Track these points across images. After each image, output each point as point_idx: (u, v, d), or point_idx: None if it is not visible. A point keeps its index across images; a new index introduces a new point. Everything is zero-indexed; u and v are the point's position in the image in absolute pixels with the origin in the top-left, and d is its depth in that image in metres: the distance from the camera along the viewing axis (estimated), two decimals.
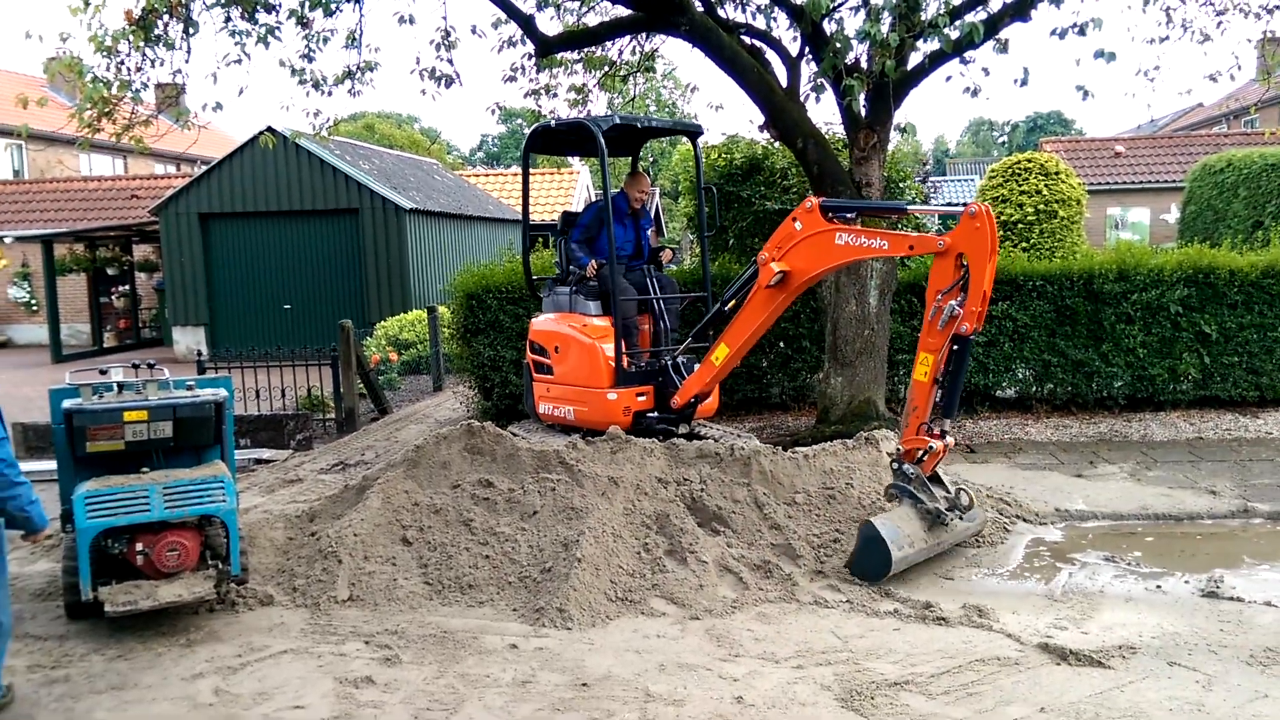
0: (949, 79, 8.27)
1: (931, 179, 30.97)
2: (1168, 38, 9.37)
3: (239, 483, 7.83)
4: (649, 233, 8.32)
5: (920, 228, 11.58)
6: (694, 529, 5.69)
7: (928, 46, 7.79)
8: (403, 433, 9.99)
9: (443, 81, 9.25)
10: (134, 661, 4.65)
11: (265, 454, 9.22)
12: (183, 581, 4.97)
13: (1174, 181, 23.91)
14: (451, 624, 4.97)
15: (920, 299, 9.77)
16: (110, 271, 21.05)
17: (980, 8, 7.91)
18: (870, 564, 5.36)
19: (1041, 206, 16.44)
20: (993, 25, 7.59)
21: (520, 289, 9.97)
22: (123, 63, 8.28)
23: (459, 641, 4.75)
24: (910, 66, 8.22)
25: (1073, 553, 5.92)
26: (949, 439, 5.66)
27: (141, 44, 8.15)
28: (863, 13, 7.85)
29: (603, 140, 7.40)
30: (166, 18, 8.18)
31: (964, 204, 5.36)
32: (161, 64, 8.49)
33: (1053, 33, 7.62)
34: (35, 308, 22.35)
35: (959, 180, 33.62)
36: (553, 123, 8.28)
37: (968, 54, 7.89)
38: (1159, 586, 5.32)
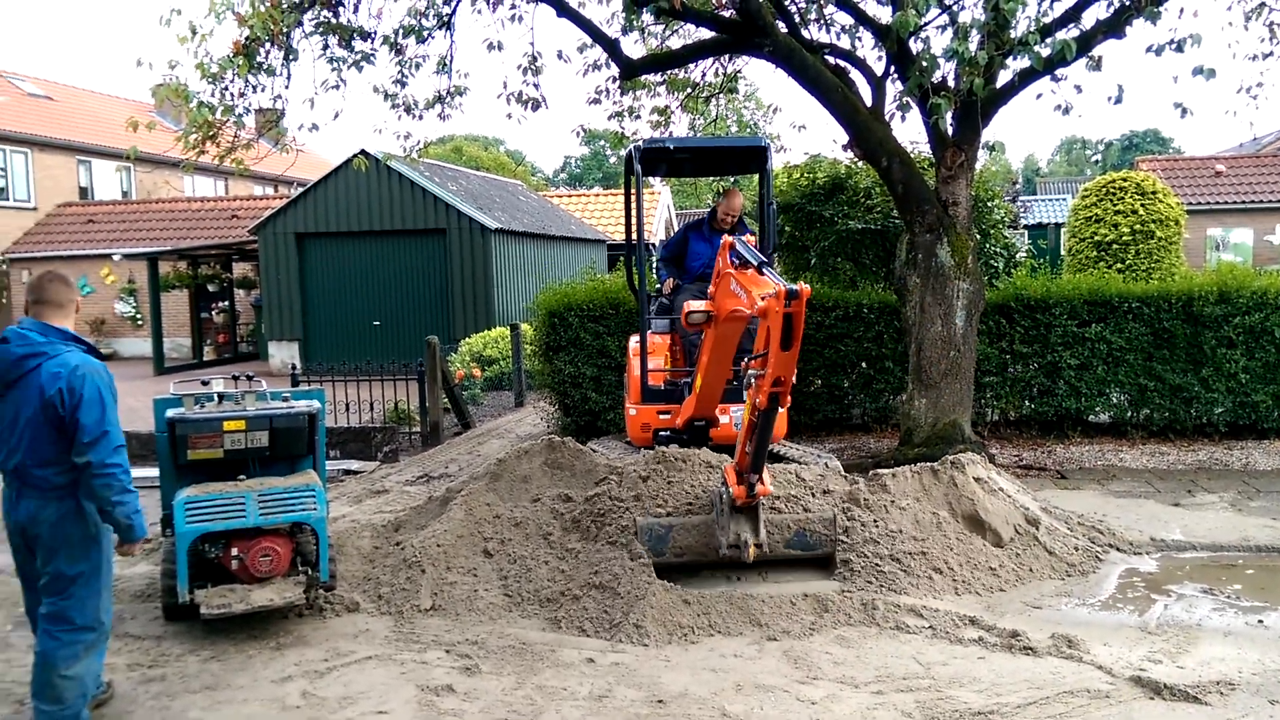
0: (1039, 96, 8.08)
1: (1021, 198, 30.31)
2: (1271, 54, 9.03)
3: (328, 492, 8.08)
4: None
5: (1010, 246, 11.35)
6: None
7: (1018, 64, 7.67)
8: (485, 447, 10.16)
9: (529, 105, 9.46)
10: (226, 663, 4.82)
11: (354, 465, 9.48)
12: (274, 586, 5.13)
13: (1279, 202, 22.91)
14: (530, 636, 5.03)
15: (1009, 320, 9.58)
16: (211, 288, 21.94)
17: (1073, 24, 7.75)
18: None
19: (1138, 226, 15.95)
20: (1085, 42, 7.41)
21: (601, 308, 10.09)
22: (226, 89, 8.67)
23: (537, 654, 4.81)
24: (999, 84, 8.09)
25: (1169, 584, 5.70)
26: (759, 488, 5.14)
27: (245, 71, 8.52)
28: (950, 31, 7.78)
29: (639, 165, 7.47)
30: (269, 45, 8.55)
31: (787, 287, 4.58)
32: (263, 90, 8.86)
33: (1149, 49, 7.42)
34: (140, 322, 23.39)
35: (1050, 200, 32.70)
36: (633, 148, 8.33)
37: (1059, 71, 7.73)
38: (1261, 621, 5.08)
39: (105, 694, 4.36)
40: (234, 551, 5.10)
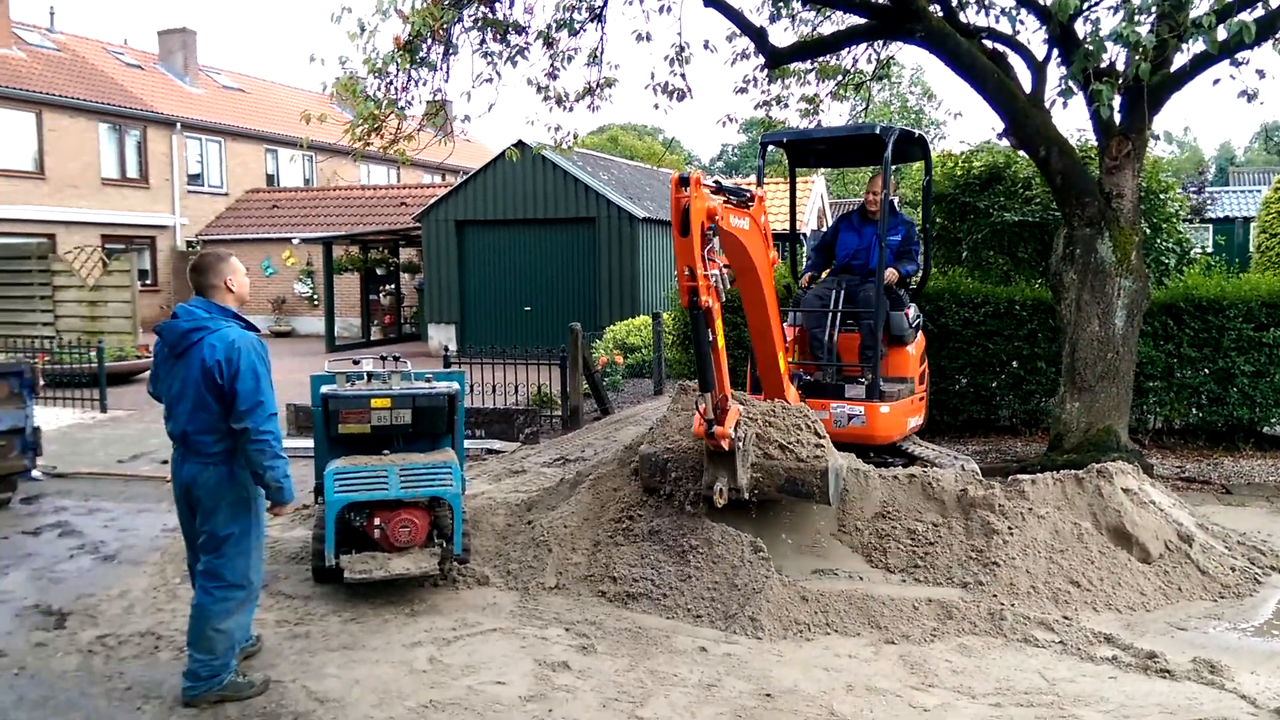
0: (1217, 82, 7.50)
1: (1209, 189, 28.10)
2: None
3: (470, 470, 8.44)
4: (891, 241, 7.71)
5: (1184, 242, 10.60)
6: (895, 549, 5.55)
7: (1193, 48, 7.15)
8: (621, 433, 10.31)
9: (674, 95, 9.52)
10: (364, 624, 5.14)
11: (496, 445, 9.84)
12: (411, 556, 5.43)
13: None
14: (646, 621, 5.12)
15: (1178, 321, 8.98)
16: (379, 271, 23.19)
17: (1258, 4, 7.15)
18: None
19: None
20: (1270, 24, 6.83)
21: (738, 298, 10.03)
22: (391, 83, 9.14)
23: (651, 639, 4.90)
24: (1173, 69, 7.57)
25: None
26: (716, 429, 5.14)
27: (408, 66, 8.96)
28: (1120, 13, 7.33)
29: (762, 161, 7.71)
30: (430, 41, 8.95)
31: (679, 175, 5.03)
32: (424, 84, 9.29)
33: None
34: (316, 302, 24.98)
35: (1242, 191, 30.18)
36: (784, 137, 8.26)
37: (1239, 55, 7.15)
38: None
39: (254, 646, 4.74)
40: (376, 521, 5.42)
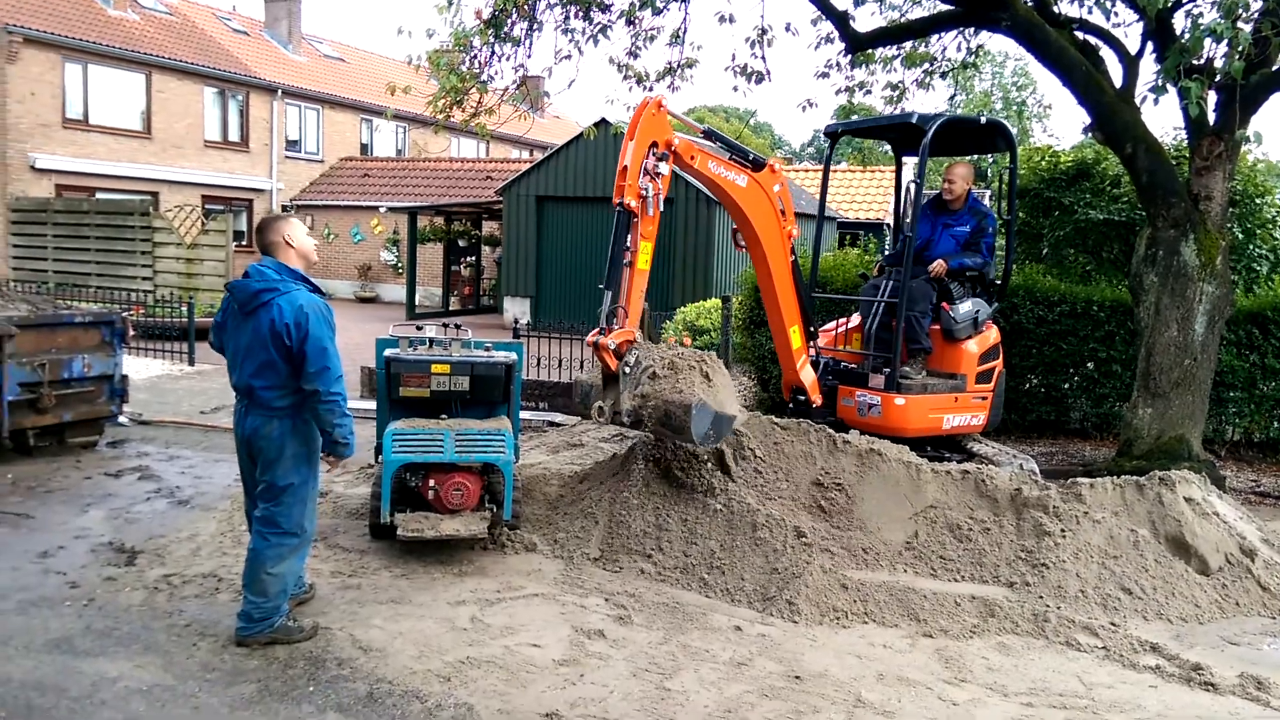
0: None
1: None
2: None
3: (529, 441, 8.61)
4: (959, 232, 7.54)
5: (1278, 249, 10.15)
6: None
7: None
8: None
9: (753, 78, 9.48)
10: (413, 581, 5.32)
11: (558, 418, 10.00)
12: (462, 519, 5.59)
13: None
14: (684, 597, 5.20)
15: (1264, 331, 8.63)
16: (461, 243, 23.61)
17: None
18: None
19: None
20: None
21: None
22: (475, 56, 9.30)
23: (688, 614, 4.97)
24: (1275, 68, 7.26)
25: None
26: (601, 338, 5.81)
27: (491, 40, 9.11)
28: (1217, 9, 7.05)
29: (830, 150, 8.09)
30: (514, 16, 9.08)
31: (648, 99, 6.03)
32: (507, 59, 9.43)
33: None
34: (400, 270, 25.55)
35: None
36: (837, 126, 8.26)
37: None
38: None
39: (307, 594, 4.95)
40: (431, 483, 5.59)
